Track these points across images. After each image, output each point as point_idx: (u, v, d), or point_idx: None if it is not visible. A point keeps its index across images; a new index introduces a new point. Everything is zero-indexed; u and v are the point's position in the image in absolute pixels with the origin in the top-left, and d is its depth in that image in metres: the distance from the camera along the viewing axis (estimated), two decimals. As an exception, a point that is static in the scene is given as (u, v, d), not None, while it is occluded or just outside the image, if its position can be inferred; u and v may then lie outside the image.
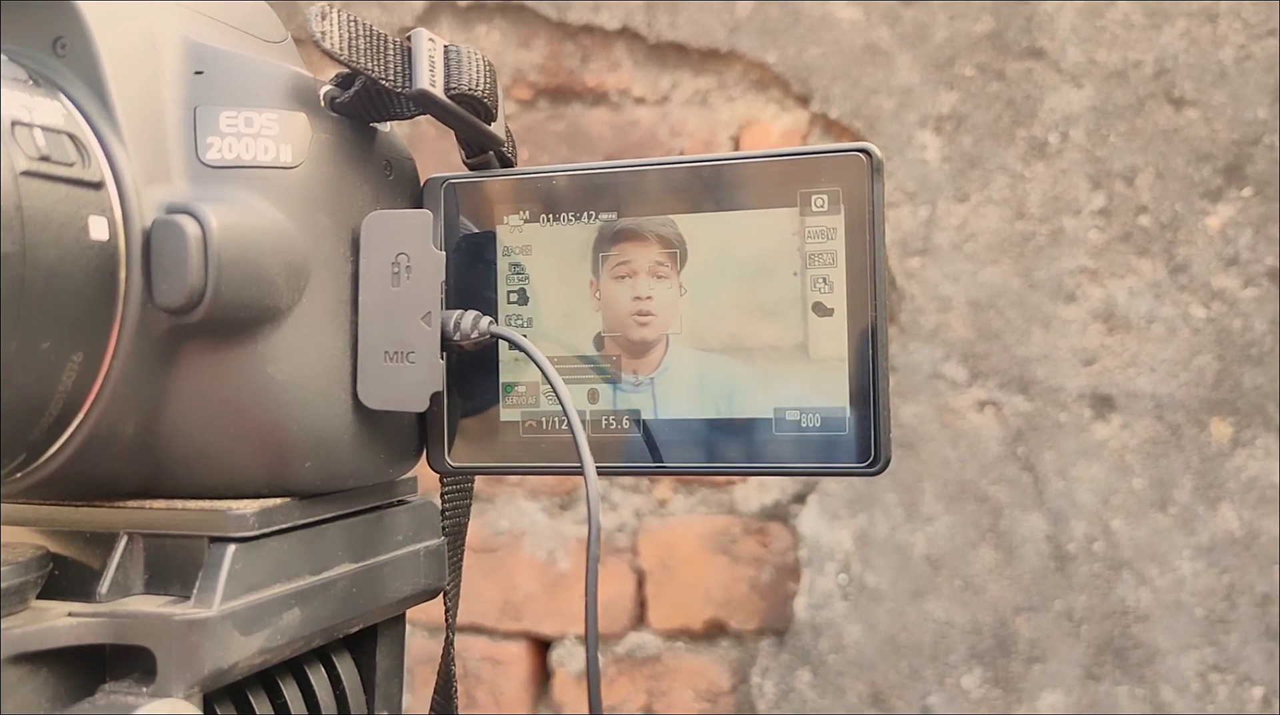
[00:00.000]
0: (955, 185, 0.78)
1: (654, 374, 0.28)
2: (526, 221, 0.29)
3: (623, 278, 0.28)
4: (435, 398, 0.27)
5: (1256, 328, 0.74)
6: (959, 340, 0.77)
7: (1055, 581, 0.76)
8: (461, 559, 0.34)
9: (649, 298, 0.28)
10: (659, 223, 0.28)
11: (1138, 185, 0.77)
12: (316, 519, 0.28)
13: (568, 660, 0.85)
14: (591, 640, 0.25)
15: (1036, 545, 0.76)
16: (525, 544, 0.85)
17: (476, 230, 0.30)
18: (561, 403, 0.26)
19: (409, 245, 0.27)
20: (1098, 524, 0.75)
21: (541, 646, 0.86)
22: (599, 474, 0.26)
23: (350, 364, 0.27)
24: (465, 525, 0.34)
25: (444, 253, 0.28)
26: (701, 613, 0.81)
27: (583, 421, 0.28)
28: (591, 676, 0.25)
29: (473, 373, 0.29)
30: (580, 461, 0.25)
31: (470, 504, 0.34)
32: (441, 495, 0.33)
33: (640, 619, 0.83)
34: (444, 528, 0.33)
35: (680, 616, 0.82)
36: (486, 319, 0.28)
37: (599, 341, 0.28)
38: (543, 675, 0.86)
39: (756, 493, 0.81)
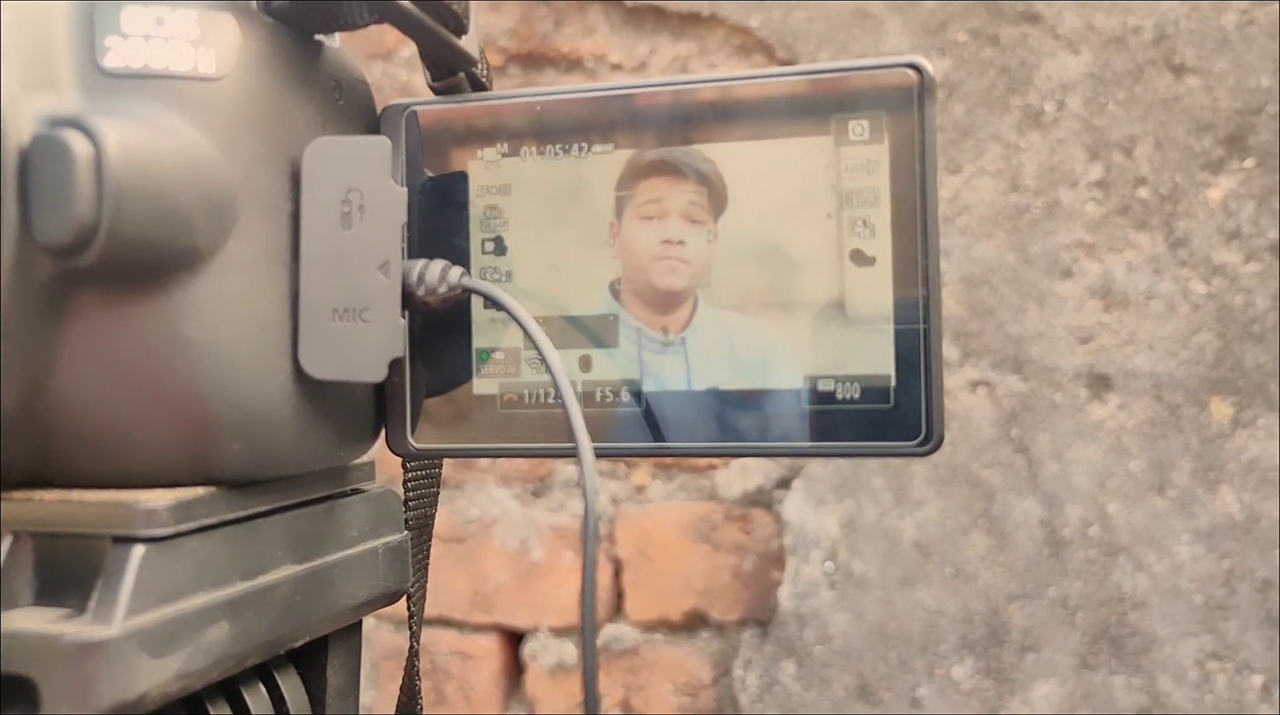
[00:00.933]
0: (947, 156, 0.74)
1: (685, 332, 0.23)
2: (505, 156, 0.24)
3: (650, 219, 0.23)
4: (395, 366, 0.23)
5: (1258, 304, 0.71)
6: (950, 317, 0.74)
7: (1049, 568, 0.73)
8: (428, 556, 0.29)
9: (680, 243, 0.23)
10: (699, 158, 0.23)
11: (1136, 156, 0.73)
12: (248, 512, 0.23)
13: (541, 654, 0.80)
14: (590, 656, 0.20)
15: (1030, 530, 0.73)
16: (496, 533, 0.81)
17: (445, 166, 0.25)
18: (550, 370, 0.21)
19: (362, 179, 0.22)
20: (1093, 508, 0.72)
21: (513, 640, 0.82)
22: (596, 456, 0.21)
23: (289, 323, 0.23)
24: (432, 517, 0.29)
25: (405, 189, 0.23)
26: (681, 603, 0.78)
27: (574, 394, 0.23)
28: (589, 699, 0.21)
29: (440, 336, 0.25)
30: (574, 441, 0.21)
31: (438, 492, 0.29)
32: (404, 482, 0.28)
33: (617, 610, 0.79)
34: (407, 520, 0.28)
35: (659, 607, 0.78)
36: (458, 270, 0.23)
37: (615, 291, 0.24)
38: (514, 670, 0.82)
39: (739, 477, 0.77)
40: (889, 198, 0.22)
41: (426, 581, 0.29)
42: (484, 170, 0.24)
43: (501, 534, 0.81)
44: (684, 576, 0.78)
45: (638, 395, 0.24)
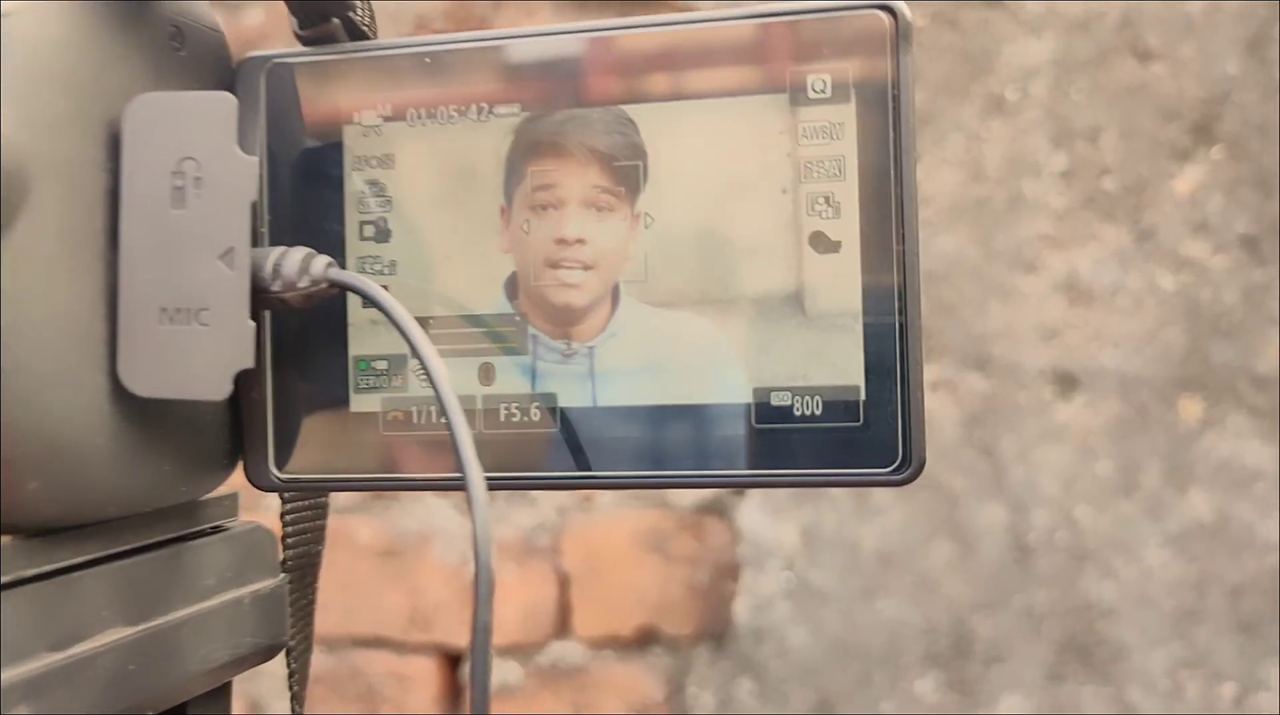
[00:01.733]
0: (908, 143, 0.71)
1: (595, 341, 0.19)
2: (388, 120, 0.20)
3: (545, 208, 0.19)
4: (247, 379, 0.18)
5: (1227, 299, 0.69)
6: (913, 314, 0.71)
7: (1015, 576, 0.70)
8: (314, 601, 0.25)
9: (579, 242, 0.19)
10: (608, 121, 0.19)
11: (1101, 145, 0.71)
12: (57, 566, 0.18)
13: (482, 675, 0.76)
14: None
15: (995, 537, 0.70)
16: (434, 546, 0.76)
17: (313, 133, 0.20)
18: (433, 382, 0.17)
19: (200, 146, 0.18)
20: (1060, 512, 0.70)
21: (453, 661, 0.77)
22: (492, 488, 0.17)
23: (105, 328, 0.18)
24: (318, 555, 0.25)
25: (256, 158, 0.18)
26: (632, 618, 0.74)
27: (472, 412, 0.19)
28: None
29: (307, 342, 0.20)
30: (463, 472, 0.16)
31: (325, 525, 0.25)
32: (282, 516, 0.23)
33: (564, 626, 0.75)
34: (285, 561, 0.23)
35: (608, 623, 0.74)
36: (323, 260, 0.19)
37: (511, 290, 0.19)
38: (454, 692, 0.77)
39: (691, 484, 0.73)
40: (856, 169, 0.18)
41: (312, 632, 0.24)
42: (362, 137, 0.20)
43: (440, 548, 0.76)
44: (634, 590, 0.74)
45: (554, 412, 0.19)
